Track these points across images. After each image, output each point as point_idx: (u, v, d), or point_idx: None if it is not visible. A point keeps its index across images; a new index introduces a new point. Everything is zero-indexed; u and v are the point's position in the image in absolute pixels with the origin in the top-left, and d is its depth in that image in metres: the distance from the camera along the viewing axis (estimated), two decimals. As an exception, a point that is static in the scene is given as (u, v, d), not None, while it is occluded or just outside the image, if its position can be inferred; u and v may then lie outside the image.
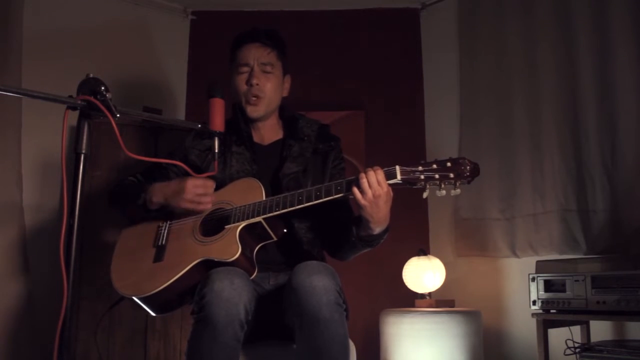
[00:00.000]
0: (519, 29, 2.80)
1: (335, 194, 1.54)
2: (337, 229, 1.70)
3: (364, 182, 1.48)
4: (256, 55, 1.80)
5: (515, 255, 2.70)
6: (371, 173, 1.49)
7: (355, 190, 1.49)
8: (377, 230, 1.57)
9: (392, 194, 1.52)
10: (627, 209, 2.32)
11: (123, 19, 3.12)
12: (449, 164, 1.50)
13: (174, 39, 3.30)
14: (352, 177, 1.53)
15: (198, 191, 1.63)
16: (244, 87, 1.80)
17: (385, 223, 1.57)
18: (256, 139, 1.87)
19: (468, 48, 3.06)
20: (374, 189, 1.48)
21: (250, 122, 1.86)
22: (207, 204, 1.65)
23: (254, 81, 1.78)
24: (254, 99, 1.79)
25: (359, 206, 1.51)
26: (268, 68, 1.81)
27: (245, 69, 1.80)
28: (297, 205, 1.56)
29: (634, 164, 2.33)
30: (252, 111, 1.81)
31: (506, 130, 2.80)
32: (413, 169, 1.50)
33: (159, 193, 1.68)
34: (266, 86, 1.80)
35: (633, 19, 2.37)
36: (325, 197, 1.54)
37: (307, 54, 3.13)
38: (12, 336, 2.49)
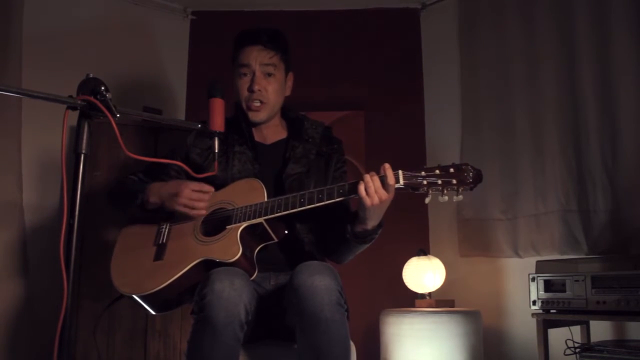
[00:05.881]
0: (519, 29, 2.80)
1: (337, 197, 1.54)
2: (332, 227, 1.70)
3: (370, 187, 1.50)
4: (258, 58, 1.77)
5: (518, 255, 2.70)
6: (376, 178, 1.51)
7: (363, 194, 1.50)
8: (371, 225, 1.59)
9: None
10: (627, 209, 2.32)
11: (123, 18, 3.12)
12: (451, 170, 1.50)
13: (174, 39, 3.30)
14: (354, 181, 1.54)
15: (193, 196, 1.62)
16: (245, 93, 1.78)
17: (379, 218, 1.59)
18: (258, 138, 1.86)
19: (468, 48, 3.06)
20: (380, 193, 1.50)
21: (253, 124, 1.84)
22: (201, 210, 1.64)
23: (256, 87, 1.76)
24: (256, 105, 1.78)
25: (364, 207, 1.52)
26: (270, 69, 1.78)
27: (246, 70, 1.78)
28: (299, 207, 1.56)
29: (634, 164, 2.33)
30: (254, 117, 1.80)
31: (507, 130, 2.79)
32: (416, 174, 1.51)
33: (155, 193, 1.67)
34: (268, 90, 1.78)
35: (634, 20, 2.37)
36: (327, 200, 1.54)
37: (307, 54, 3.12)
38: (12, 336, 2.49)
